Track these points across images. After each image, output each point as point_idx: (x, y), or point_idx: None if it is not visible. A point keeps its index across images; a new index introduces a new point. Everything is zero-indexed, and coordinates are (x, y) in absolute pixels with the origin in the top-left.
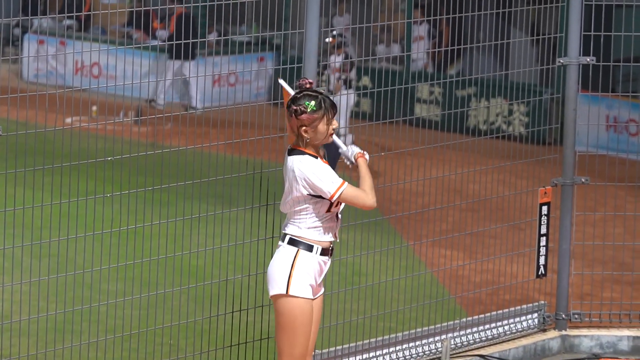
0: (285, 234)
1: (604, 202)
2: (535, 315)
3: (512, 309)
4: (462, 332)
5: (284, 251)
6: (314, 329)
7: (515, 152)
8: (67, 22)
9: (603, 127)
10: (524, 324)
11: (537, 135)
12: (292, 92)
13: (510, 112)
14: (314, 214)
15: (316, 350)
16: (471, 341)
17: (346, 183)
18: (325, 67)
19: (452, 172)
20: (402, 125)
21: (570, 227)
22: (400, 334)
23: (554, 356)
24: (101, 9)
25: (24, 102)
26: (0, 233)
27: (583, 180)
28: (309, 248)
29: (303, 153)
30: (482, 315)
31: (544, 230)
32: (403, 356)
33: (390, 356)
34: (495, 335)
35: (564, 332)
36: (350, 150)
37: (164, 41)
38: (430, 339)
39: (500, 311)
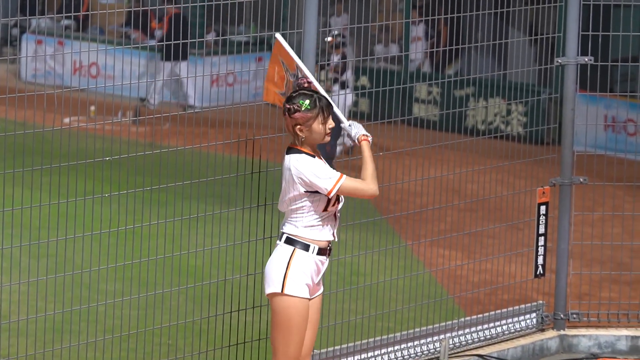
0: (283, 233)
1: (602, 202)
2: (534, 315)
3: (511, 308)
4: (460, 332)
5: (281, 250)
6: (313, 329)
7: (513, 152)
8: (65, 22)
9: (601, 127)
10: (523, 323)
11: (536, 135)
12: (290, 51)
13: (509, 112)
14: (310, 213)
15: (315, 350)
16: (469, 341)
17: (344, 176)
18: (322, 67)
19: (451, 172)
20: (400, 125)
21: (569, 227)
22: (398, 334)
23: (552, 356)
24: (99, 9)
25: (22, 102)
26: None
27: (581, 180)
28: (306, 247)
29: (300, 152)
30: (480, 315)
31: (542, 230)
32: (401, 356)
33: (388, 356)
34: (494, 335)
35: (562, 332)
36: (355, 129)
37: (160, 41)
38: (429, 339)
39: (499, 311)
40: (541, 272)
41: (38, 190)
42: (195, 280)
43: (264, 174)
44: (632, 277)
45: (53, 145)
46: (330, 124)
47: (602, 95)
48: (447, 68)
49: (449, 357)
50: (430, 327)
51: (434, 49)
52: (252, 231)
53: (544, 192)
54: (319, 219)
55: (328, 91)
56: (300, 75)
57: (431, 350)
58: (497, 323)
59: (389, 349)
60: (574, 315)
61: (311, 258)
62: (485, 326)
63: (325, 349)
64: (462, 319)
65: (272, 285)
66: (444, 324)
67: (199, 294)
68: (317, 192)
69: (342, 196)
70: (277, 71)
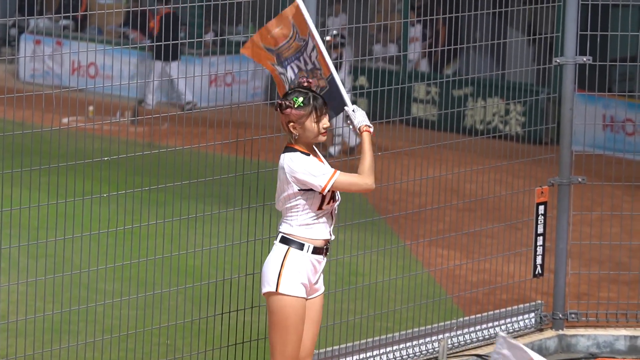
0: (279, 232)
1: (601, 202)
2: (532, 314)
3: (509, 308)
4: (459, 332)
5: (276, 249)
6: (314, 330)
7: (512, 152)
8: (64, 22)
9: (600, 127)
10: (521, 323)
11: (534, 134)
12: (308, 19)
13: (507, 112)
14: (305, 211)
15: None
16: (468, 341)
17: (338, 172)
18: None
19: (449, 171)
20: (398, 125)
21: (567, 226)
22: (397, 334)
23: (551, 356)
24: (97, 9)
25: (20, 102)
26: None
27: (580, 179)
28: (300, 246)
29: (295, 150)
30: (479, 315)
31: (540, 229)
32: (400, 356)
33: (387, 356)
34: (493, 335)
35: (561, 332)
36: (358, 117)
37: (151, 41)
38: (428, 339)
39: (497, 311)
40: (540, 271)
41: (37, 190)
42: (194, 280)
43: (263, 174)
44: (630, 276)
45: (51, 146)
46: (325, 123)
47: (600, 95)
48: (445, 68)
49: (448, 357)
50: (429, 327)
51: (432, 49)
52: (250, 231)
53: (542, 192)
54: (315, 217)
55: (324, 90)
56: (308, 47)
57: (430, 350)
58: (496, 323)
59: (388, 349)
60: (573, 315)
61: (306, 257)
62: (484, 326)
63: (324, 349)
64: (461, 319)
65: (267, 285)
66: (442, 323)
67: (198, 294)
68: (311, 190)
69: (338, 194)
70: (280, 28)
